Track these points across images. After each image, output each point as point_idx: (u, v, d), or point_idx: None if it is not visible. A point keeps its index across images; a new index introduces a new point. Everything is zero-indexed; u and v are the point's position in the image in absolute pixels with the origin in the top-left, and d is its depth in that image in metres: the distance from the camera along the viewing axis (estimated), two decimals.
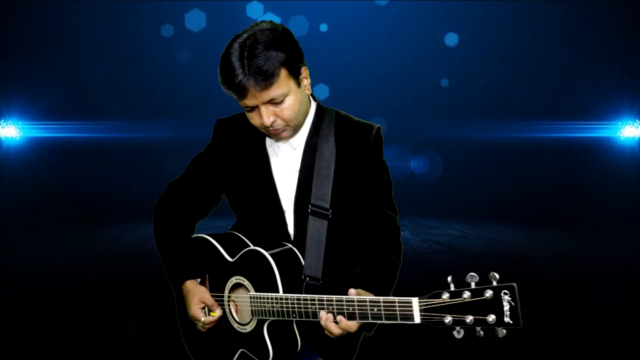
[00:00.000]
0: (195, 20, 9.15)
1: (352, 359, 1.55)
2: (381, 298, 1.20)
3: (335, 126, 1.52)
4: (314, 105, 1.55)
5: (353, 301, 1.25)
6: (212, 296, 1.53)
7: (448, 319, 1.11)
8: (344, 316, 1.26)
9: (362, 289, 1.37)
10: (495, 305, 1.06)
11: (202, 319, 1.49)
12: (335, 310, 1.27)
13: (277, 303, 1.37)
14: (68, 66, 8.79)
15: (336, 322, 1.28)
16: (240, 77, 1.32)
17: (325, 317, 1.29)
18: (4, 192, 8.11)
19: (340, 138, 1.51)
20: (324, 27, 9.41)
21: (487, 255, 6.07)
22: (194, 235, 1.62)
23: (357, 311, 1.24)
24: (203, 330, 1.53)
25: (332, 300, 1.28)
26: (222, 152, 1.60)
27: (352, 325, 1.27)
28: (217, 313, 1.50)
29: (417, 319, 1.15)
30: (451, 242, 6.88)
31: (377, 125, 1.52)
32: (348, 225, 1.52)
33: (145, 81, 8.92)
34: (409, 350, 3.28)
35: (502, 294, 1.05)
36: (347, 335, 1.31)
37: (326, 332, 1.31)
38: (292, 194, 1.51)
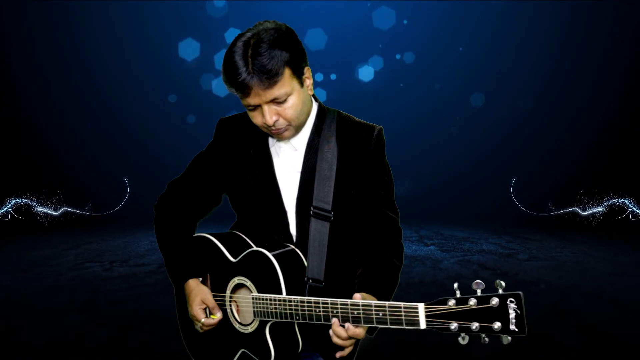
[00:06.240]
0: None
1: (352, 359, 1.56)
2: (386, 303, 1.21)
3: (336, 127, 1.52)
4: (315, 105, 1.54)
5: (358, 305, 1.25)
6: (214, 296, 1.53)
7: (454, 325, 1.12)
8: (349, 320, 1.27)
9: (364, 291, 1.38)
10: (501, 312, 1.07)
11: (202, 320, 1.49)
12: (340, 314, 1.28)
13: (280, 305, 1.37)
14: None
15: (343, 326, 1.29)
16: (244, 75, 1.31)
17: (335, 323, 1.29)
18: None
19: (341, 139, 1.50)
20: None
21: (586, 296, 3.91)
22: (196, 234, 1.61)
23: (362, 315, 1.25)
24: (201, 331, 1.53)
25: (336, 304, 1.28)
26: (224, 151, 1.59)
27: (360, 332, 1.28)
28: (218, 316, 1.50)
29: (423, 325, 1.16)
30: (501, 266, 4.99)
31: (379, 126, 1.52)
32: (350, 227, 1.52)
33: None
34: (408, 350, 3.27)
35: (508, 302, 1.07)
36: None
37: (335, 337, 1.31)
38: (294, 195, 1.51)
